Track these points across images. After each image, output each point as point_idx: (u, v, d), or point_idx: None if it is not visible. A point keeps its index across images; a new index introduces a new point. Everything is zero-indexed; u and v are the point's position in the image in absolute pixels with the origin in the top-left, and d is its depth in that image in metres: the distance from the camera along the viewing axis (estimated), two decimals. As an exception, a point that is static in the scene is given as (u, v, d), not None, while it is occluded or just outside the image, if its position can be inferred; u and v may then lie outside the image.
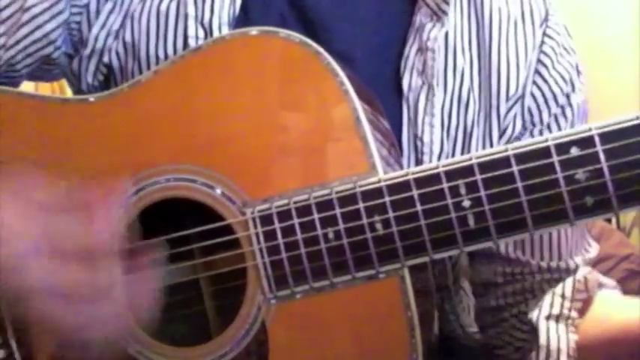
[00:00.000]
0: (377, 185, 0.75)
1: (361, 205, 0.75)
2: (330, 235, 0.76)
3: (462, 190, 0.73)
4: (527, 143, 0.72)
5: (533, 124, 0.93)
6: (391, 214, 0.74)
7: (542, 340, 0.88)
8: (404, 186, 0.74)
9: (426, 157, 0.89)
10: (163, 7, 0.88)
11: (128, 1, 0.89)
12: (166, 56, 0.88)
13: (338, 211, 0.75)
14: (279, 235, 0.77)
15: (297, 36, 0.79)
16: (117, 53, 0.90)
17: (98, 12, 0.90)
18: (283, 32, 0.79)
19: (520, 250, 0.94)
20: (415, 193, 0.74)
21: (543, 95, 0.93)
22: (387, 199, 0.74)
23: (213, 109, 0.80)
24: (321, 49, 0.78)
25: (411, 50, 0.89)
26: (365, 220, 0.75)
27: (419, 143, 0.89)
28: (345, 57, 0.84)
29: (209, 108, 0.80)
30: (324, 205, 0.76)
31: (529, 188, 0.71)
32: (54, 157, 0.84)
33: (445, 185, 0.73)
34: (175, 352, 0.81)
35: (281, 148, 0.79)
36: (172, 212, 0.82)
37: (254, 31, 0.80)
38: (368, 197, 0.75)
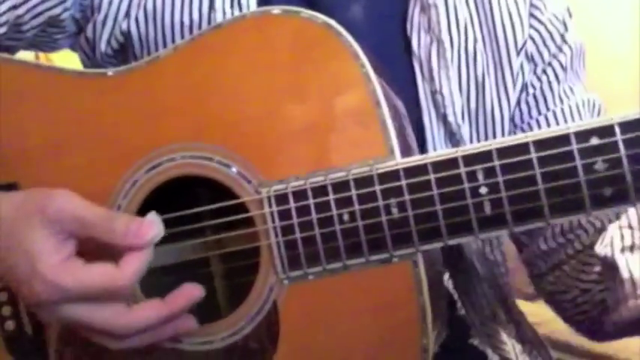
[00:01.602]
0: (394, 168, 0.74)
1: (377, 188, 0.75)
2: (345, 217, 0.75)
3: (480, 176, 0.73)
4: (547, 131, 0.72)
5: (536, 64, 0.97)
6: (407, 197, 0.74)
7: (625, 273, 0.82)
8: (421, 169, 0.74)
9: (448, 110, 0.91)
10: None
11: None
12: (191, 22, 0.88)
13: (354, 192, 0.75)
14: (294, 215, 0.76)
15: (319, 16, 0.78)
16: (136, 20, 0.89)
17: None
18: (305, 12, 0.79)
19: None
20: (432, 177, 0.74)
21: (541, 36, 0.97)
22: (403, 182, 0.74)
23: (232, 88, 0.80)
24: (343, 31, 0.78)
25: (414, 11, 0.93)
26: (381, 202, 0.74)
27: (439, 97, 0.91)
28: (350, 26, 0.83)
29: (227, 87, 0.80)
30: (340, 186, 0.75)
31: (547, 175, 0.71)
32: (68, 130, 0.83)
33: (463, 170, 0.73)
34: None
35: (298, 130, 0.78)
36: (187, 189, 0.81)
37: (276, 10, 0.79)
38: (384, 180, 0.75)
